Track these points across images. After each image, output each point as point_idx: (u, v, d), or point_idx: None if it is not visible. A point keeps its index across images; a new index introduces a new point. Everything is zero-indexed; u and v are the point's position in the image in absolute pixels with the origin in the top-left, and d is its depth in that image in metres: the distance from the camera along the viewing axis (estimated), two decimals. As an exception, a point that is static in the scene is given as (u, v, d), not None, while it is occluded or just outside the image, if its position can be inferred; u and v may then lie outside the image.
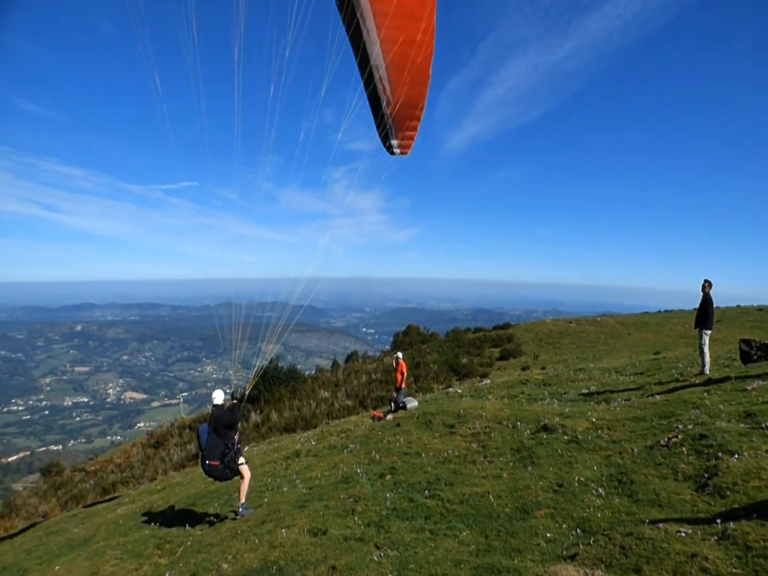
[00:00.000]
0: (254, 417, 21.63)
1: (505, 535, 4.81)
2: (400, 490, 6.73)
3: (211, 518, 7.78)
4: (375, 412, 14.06)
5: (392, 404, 13.76)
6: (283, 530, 6.04)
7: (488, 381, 18.12)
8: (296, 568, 5.04)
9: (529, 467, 6.57)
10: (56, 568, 6.83)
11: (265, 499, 7.93)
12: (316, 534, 5.79)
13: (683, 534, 3.82)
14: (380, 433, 10.64)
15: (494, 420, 9.19)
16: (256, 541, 5.96)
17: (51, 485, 20.93)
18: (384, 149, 7.51)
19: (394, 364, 14.24)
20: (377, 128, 7.27)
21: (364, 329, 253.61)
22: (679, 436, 6.08)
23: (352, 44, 5.89)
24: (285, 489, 8.28)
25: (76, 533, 9.20)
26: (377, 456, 8.77)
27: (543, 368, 21.19)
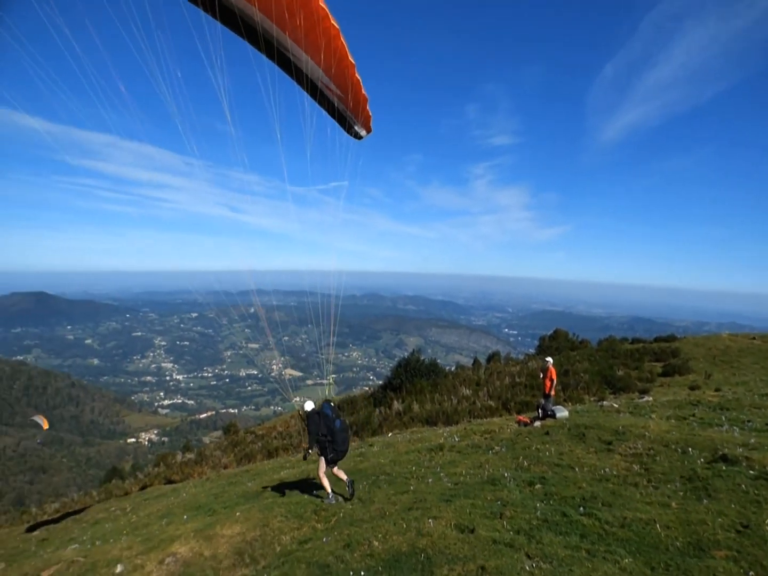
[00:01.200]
0: (396, 405, 22.43)
1: (676, 571, 4.34)
2: (551, 502, 6.45)
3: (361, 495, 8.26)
4: (521, 417, 13.53)
5: (539, 411, 13.21)
6: (430, 520, 6.15)
7: (649, 398, 16.12)
8: (444, 560, 5.07)
9: (705, 500, 5.84)
10: (237, 514, 7.97)
11: (411, 487, 8.14)
12: (463, 530, 5.79)
13: None
14: (527, 439, 10.29)
15: (659, 442, 8.35)
16: (404, 526, 6.16)
17: (230, 442, 24.66)
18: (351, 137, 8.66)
19: (543, 369, 13.51)
20: (341, 125, 8.43)
21: (506, 330, 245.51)
22: None
23: (294, 76, 7.18)
24: (430, 480, 8.41)
25: (250, 487, 10.65)
26: (525, 462, 8.49)
27: (718, 390, 18.10)
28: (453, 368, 31.69)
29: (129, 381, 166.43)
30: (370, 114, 8.40)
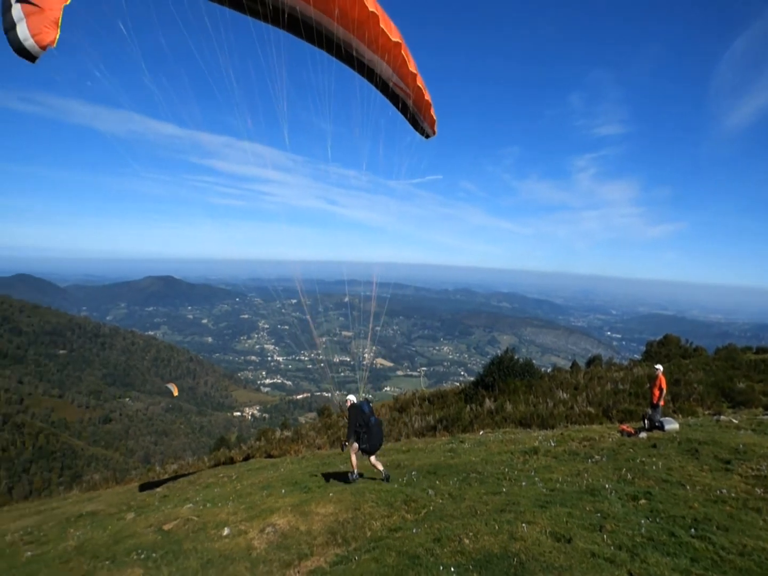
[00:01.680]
0: (488, 403, 21.90)
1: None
2: (657, 520, 5.94)
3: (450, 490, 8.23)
4: (624, 426, 12.58)
5: (646, 421, 12.25)
6: (523, 525, 5.95)
7: (777, 415, 13.99)
8: (538, 568, 4.87)
9: None
10: (330, 494, 8.37)
11: (504, 488, 7.94)
12: (559, 539, 5.53)
13: None
14: (631, 450, 9.57)
15: (787, 464, 7.28)
16: (496, 527, 6.02)
17: (323, 424, 25.94)
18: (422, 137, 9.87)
19: (651, 377, 12.47)
20: (410, 122, 9.56)
21: (609, 333, 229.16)
22: None
23: (367, 77, 8.34)
24: (523, 483, 8.13)
25: (342, 470, 11.11)
26: (628, 475, 7.87)
27: None
28: (549, 370, 30.27)
29: (236, 359, 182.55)
30: (435, 118, 9.53)
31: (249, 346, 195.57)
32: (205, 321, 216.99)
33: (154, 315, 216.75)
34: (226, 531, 7.42)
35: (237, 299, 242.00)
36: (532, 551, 5.25)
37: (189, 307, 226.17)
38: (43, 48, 4.18)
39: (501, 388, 23.43)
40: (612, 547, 5.22)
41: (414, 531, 6.43)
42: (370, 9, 7.07)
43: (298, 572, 6.05)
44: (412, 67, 8.28)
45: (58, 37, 4.19)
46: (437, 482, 8.89)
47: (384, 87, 8.64)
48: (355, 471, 9.38)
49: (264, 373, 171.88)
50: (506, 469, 9.18)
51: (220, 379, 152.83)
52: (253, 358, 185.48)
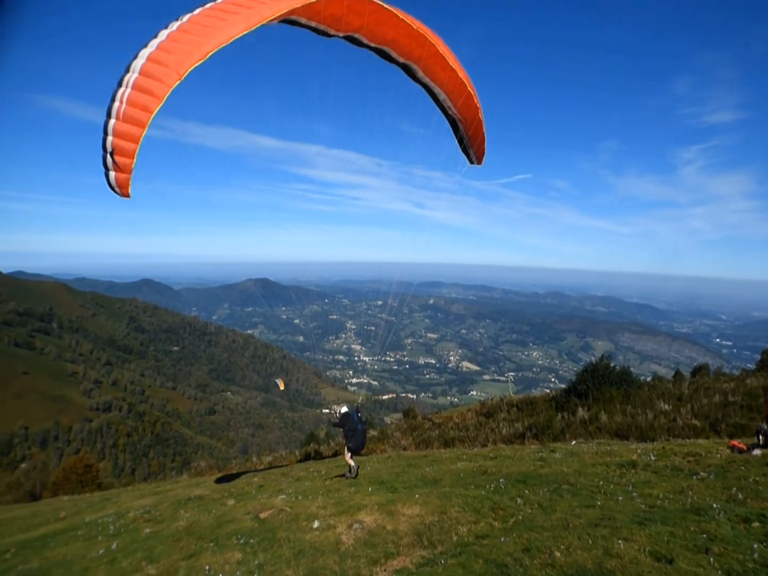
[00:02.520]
0: (581, 412, 20.62)
1: None
2: None
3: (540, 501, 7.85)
4: (735, 442, 11.20)
5: (760, 437, 10.81)
6: (620, 541, 5.54)
7: None
8: (638, 592, 4.49)
9: None
10: (416, 496, 8.40)
11: (598, 502, 7.42)
12: (659, 559, 5.08)
13: None
14: (743, 468, 8.48)
15: None
16: (590, 542, 5.67)
17: (408, 426, 26.10)
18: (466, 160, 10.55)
19: (767, 389, 10.95)
20: (460, 146, 10.23)
21: (718, 340, 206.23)
22: None
23: (436, 103, 9.46)
24: (620, 498, 7.54)
25: (428, 472, 11.10)
26: (739, 495, 6.98)
27: None
28: (648, 379, 27.78)
29: (325, 358, 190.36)
30: (485, 150, 10.26)
31: (337, 345, 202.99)
32: (297, 321, 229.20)
33: (252, 315, 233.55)
34: (316, 524, 7.76)
35: (326, 300, 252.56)
36: (629, 570, 4.88)
37: (283, 308, 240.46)
38: (125, 197, 5.44)
39: (595, 397, 21.96)
40: (719, 572, 4.75)
41: (502, 539, 6.24)
42: (452, 65, 8.57)
43: (385, 570, 6.14)
44: (476, 99, 9.14)
45: (130, 191, 5.40)
46: (526, 491, 8.55)
47: (444, 111, 9.66)
48: (352, 470, 11.47)
49: (351, 372, 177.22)
50: (601, 482, 8.58)
51: (310, 377, 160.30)
52: (341, 357, 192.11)
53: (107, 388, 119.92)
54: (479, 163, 10.42)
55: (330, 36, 7.62)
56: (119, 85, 5.13)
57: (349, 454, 11.29)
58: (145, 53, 5.20)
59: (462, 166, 10.56)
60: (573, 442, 15.70)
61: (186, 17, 5.50)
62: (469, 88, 8.87)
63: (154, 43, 5.25)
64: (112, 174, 5.06)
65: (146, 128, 5.04)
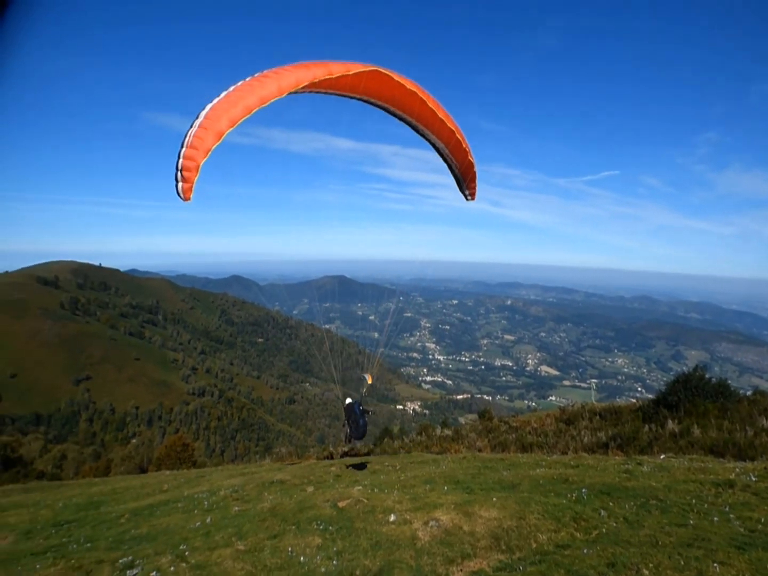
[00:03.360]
0: (671, 425, 19.00)
1: None
2: None
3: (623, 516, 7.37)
4: None
5: None
6: (715, 565, 5.16)
7: None
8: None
9: None
10: (493, 499, 8.27)
11: (690, 521, 6.84)
12: None
13: None
14: None
15: None
16: (682, 563, 5.31)
17: (484, 427, 25.58)
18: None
19: None
20: (455, 181, 11.58)
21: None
22: None
23: (432, 145, 10.78)
24: (715, 519, 6.89)
25: (505, 476, 10.83)
26: None
27: None
28: (749, 393, 24.89)
29: (399, 355, 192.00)
30: (476, 189, 11.69)
31: (411, 343, 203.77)
32: (372, 317, 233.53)
33: (329, 310, 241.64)
34: (392, 517, 7.90)
35: (401, 298, 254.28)
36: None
37: (359, 304, 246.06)
38: (186, 200, 7.04)
39: (687, 410, 20.13)
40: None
41: (584, 551, 5.99)
42: (450, 127, 10.15)
43: (461, 570, 6.13)
44: (465, 145, 10.61)
45: (191, 196, 6.99)
46: (611, 504, 8.07)
47: (440, 153, 11.03)
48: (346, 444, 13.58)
49: (425, 370, 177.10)
50: (693, 501, 7.87)
51: (385, 373, 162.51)
52: (415, 355, 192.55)
53: (201, 374, 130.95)
54: (473, 198, 12.01)
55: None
56: (190, 126, 7.12)
57: (346, 439, 12.47)
58: (206, 108, 7.28)
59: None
60: (662, 456, 14.61)
61: (241, 81, 7.52)
62: (458, 135, 10.33)
63: (207, 107, 7.29)
64: (180, 185, 6.90)
65: (206, 156, 7.02)
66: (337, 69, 8.04)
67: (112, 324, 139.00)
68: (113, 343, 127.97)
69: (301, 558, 6.88)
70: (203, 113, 7.13)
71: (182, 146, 6.90)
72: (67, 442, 77.66)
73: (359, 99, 9.42)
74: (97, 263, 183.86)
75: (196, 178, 6.93)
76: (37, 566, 7.41)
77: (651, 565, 5.32)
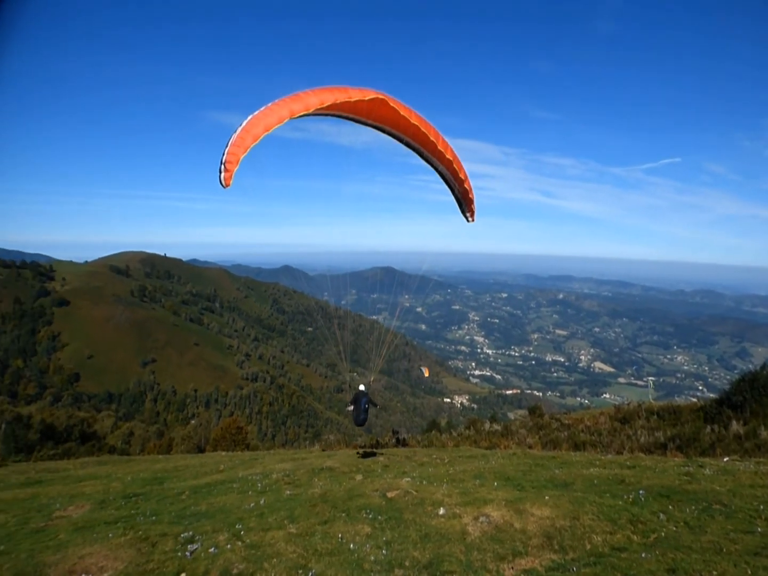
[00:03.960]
0: (735, 426, 17.73)
1: None
2: None
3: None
4: None
5: None
6: None
7: None
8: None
9: None
10: (545, 497, 8.08)
11: (759, 528, 6.45)
12: None
13: None
14: None
15: None
16: (749, 572, 5.09)
17: (534, 423, 24.94)
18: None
19: None
20: (457, 203, 12.87)
21: None
22: None
23: (435, 169, 12.12)
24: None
25: (557, 474, 10.53)
26: None
27: None
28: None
29: (447, 348, 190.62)
30: (474, 210, 12.74)
31: (459, 336, 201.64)
32: (419, 309, 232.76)
33: (377, 301, 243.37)
34: (441, 511, 7.89)
35: (449, 290, 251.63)
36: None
37: (406, 296, 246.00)
38: (226, 187, 8.20)
39: (754, 411, 18.72)
40: None
41: (642, 555, 5.79)
42: (449, 157, 11.49)
43: (512, 568, 6.03)
44: (463, 174, 11.90)
45: (231, 183, 8.17)
46: (670, 507, 7.67)
47: (442, 177, 12.25)
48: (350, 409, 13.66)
49: (473, 364, 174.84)
50: (761, 507, 7.31)
51: (432, 365, 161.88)
52: (463, 348, 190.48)
53: (254, 360, 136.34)
54: (472, 220, 12.82)
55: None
56: (234, 131, 8.45)
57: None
58: (248, 117, 8.61)
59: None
60: (725, 459, 13.72)
61: (279, 99, 8.91)
62: (455, 164, 11.62)
63: (248, 117, 8.60)
64: (222, 174, 8.10)
65: (245, 152, 8.33)
66: (355, 94, 9.37)
67: (175, 310, 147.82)
68: (175, 329, 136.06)
69: (351, 545, 7.01)
70: (245, 121, 8.52)
71: (226, 146, 8.36)
72: (135, 420, 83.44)
73: (371, 126, 10.71)
74: (162, 253, 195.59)
75: (236, 169, 8.22)
76: (110, 535, 8.01)
77: (715, 573, 5.11)
